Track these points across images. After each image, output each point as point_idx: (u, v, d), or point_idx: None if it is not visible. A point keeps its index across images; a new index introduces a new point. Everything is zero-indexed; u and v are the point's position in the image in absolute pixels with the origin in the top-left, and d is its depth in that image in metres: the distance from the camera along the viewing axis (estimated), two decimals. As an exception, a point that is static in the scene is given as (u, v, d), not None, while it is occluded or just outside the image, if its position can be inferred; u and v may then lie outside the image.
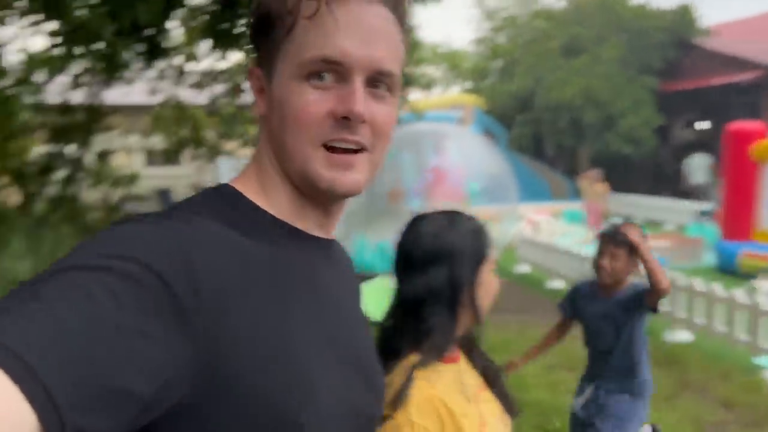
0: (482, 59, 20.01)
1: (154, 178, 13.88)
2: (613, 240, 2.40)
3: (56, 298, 0.45)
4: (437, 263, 1.10)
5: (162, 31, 6.82)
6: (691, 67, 14.49)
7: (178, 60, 9.23)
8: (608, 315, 2.44)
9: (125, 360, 0.46)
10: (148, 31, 5.78)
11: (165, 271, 0.51)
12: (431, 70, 23.85)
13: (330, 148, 0.64)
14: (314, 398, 0.60)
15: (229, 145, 15.06)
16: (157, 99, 12.76)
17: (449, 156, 9.73)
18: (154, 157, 16.73)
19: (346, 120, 0.63)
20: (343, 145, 0.64)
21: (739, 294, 4.71)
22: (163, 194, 14.21)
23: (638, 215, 12.91)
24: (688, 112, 15.79)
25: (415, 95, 18.52)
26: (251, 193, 0.67)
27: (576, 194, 13.14)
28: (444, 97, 20.82)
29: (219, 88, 13.75)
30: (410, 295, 1.10)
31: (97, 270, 0.48)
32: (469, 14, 39.09)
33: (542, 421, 3.37)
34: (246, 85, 13.80)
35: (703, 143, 15.05)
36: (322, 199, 0.68)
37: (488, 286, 1.14)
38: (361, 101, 0.62)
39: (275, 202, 0.68)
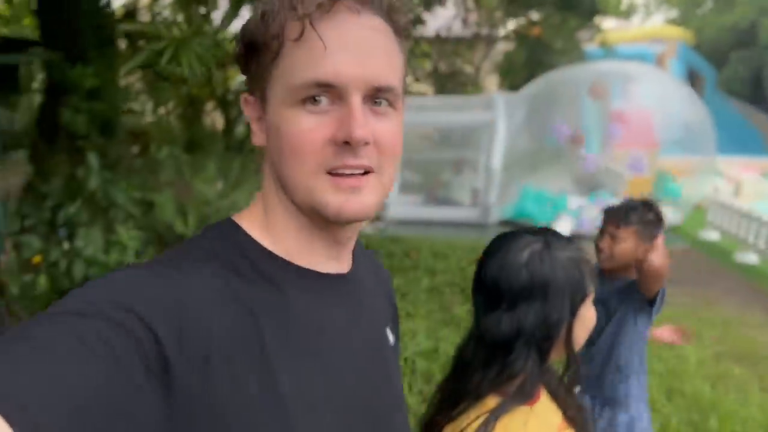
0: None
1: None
2: (616, 219, 1.93)
3: (49, 344, 0.47)
4: (530, 299, 0.95)
5: None
6: None
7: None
8: (603, 300, 1.88)
9: (112, 409, 0.47)
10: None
11: (154, 323, 0.51)
12: (631, -3, 21.23)
13: (334, 174, 0.60)
14: None
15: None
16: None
17: (636, 100, 8.74)
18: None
19: (347, 145, 0.59)
20: (348, 171, 0.60)
21: None
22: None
23: None
24: None
25: (608, 24, 16.71)
26: (256, 229, 0.65)
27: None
28: (643, 29, 18.50)
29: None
30: (494, 332, 0.96)
31: (92, 317, 0.49)
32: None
33: (696, 419, 3.04)
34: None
35: None
36: (331, 228, 0.65)
37: (587, 321, 1.00)
38: (361, 123, 0.58)
39: (281, 238, 0.65)
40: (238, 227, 0.65)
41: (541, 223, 6.90)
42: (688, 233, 7.32)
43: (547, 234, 1.00)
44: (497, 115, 7.30)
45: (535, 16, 12.89)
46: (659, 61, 13.80)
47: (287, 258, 0.65)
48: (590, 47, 13.29)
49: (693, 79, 14.22)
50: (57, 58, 4.25)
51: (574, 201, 7.45)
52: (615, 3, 15.23)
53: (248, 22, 0.62)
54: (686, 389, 3.26)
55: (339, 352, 0.66)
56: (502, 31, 13.87)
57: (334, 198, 0.60)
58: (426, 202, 7.98)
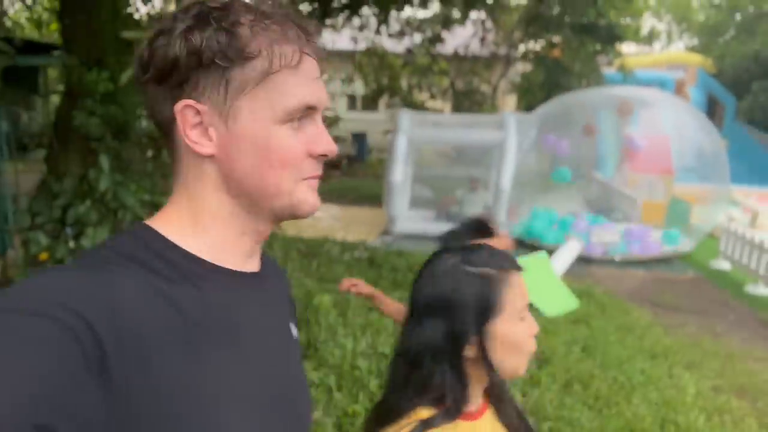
0: (718, 11, 17.10)
1: (353, 121, 14.76)
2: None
3: None
4: (433, 313, 0.96)
5: None
6: None
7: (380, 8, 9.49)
8: None
9: (51, 400, 0.50)
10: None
11: (92, 319, 0.54)
12: (652, 22, 21.21)
13: (307, 179, 0.70)
14: None
15: (421, 95, 15.35)
16: (359, 46, 13.42)
17: (652, 126, 8.70)
18: (354, 102, 17.77)
19: (322, 157, 0.71)
20: (315, 176, 0.71)
21: None
22: (359, 138, 15.09)
23: None
24: None
25: (628, 49, 16.68)
26: (175, 233, 0.67)
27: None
28: (663, 55, 18.43)
29: (416, 38, 13.98)
30: (409, 345, 0.98)
31: (29, 314, 0.52)
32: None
33: (689, 450, 2.99)
34: (444, 34, 13.66)
35: None
36: (267, 229, 0.73)
37: (508, 338, 0.96)
38: (331, 140, 0.71)
39: (207, 239, 0.68)
40: (153, 230, 0.67)
41: (547, 244, 6.87)
42: (699, 262, 7.23)
43: (470, 250, 0.99)
44: (508, 135, 7.31)
45: (553, 38, 12.92)
46: (679, 88, 13.72)
47: (206, 258, 0.68)
48: (610, 71, 13.25)
49: (712, 106, 14.09)
50: (75, 61, 4.36)
51: (581, 223, 7.40)
52: (635, 29, 15.20)
53: (213, 38, 0.63)
54: (680, 420, 3.20)
55: (255, 345, 0.70)
56: (520, 51, 13.91)
57: (312, 199, 0.71)
58: (437, 218, 7.98)
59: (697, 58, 15.91)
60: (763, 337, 4.92)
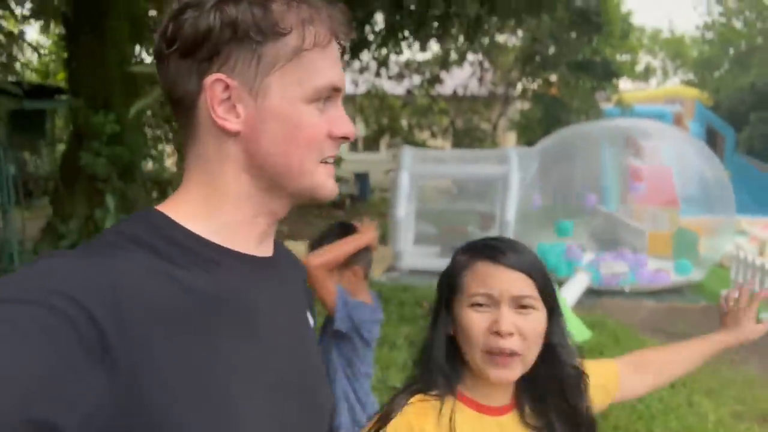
0: (711, 47, 17.48)
1: (355, 162, 14.92)
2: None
3: None
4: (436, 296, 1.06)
5: (367, 22, 7.20)
6: None
7: (380, 52, 9.72)
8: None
9: (49, 392, 0.48)
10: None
11: (92, 307, 0.52)
12: (648, 59, 21.64)
13: (324, 162, 0.70)
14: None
15: (422, 134, 15.56)
16: (359, 89, 13.70)
17: (654, 157, 8.74)
18: (355, 144, 18.01)
19: (342, 139, 0.70)
20: (330, 160, 0.71)
21: None
22: (361, 178, 15.23)
23: None
24: None
25: (625, 85, 17.00)
26: (185, 216, 0.65)
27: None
28: (660, 89, 18.72)
29: (416, 80, 14.27)
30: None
31: (25, 303, 0.50)
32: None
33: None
34: (443, 75, 13.91)
35: None
36: (283, 211, 0.72)
37: (462, 324, 0.97)
38: (351, 122, 0.72)
39: (219, 221, 0.66)
40: (161, 214, 0.65)
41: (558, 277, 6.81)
42: (711, 291, 7.13)
43: (473, 242, 1.06)
44: (511, 168, 7.35)
45: (550, 76, 13.19)
46: (677, 121, 13.86)
47: (217, 241, 0.66)
48: (608, 106, 13.45)
49: (712, 138, 14.21)
50: (82, 104, 4.44)
51: (587, 255, 7.35)
52: (631, 66, 15.53)
53: (247, 11, 0.62)
54: (705, 449, 3.08)
55: (270, 331, 0.68)
56: (518, 90, 14.17)
57: (330, 183, 0.71)
58: (442, 253, 7.94)
59: (693, 92, 16.16)
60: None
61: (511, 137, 15.67)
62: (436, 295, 1.05)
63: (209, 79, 0.62)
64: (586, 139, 8.44)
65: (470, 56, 13.48)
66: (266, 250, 0.72)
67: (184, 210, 0.66)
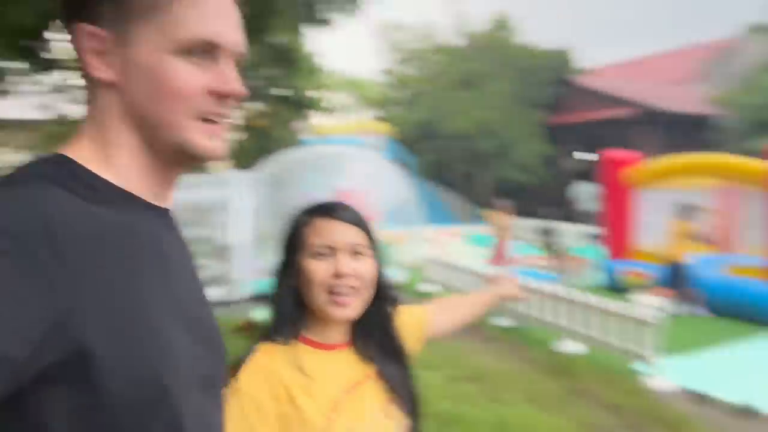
0: (389, 88, 20.62)
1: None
2: None
3: None
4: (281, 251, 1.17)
5: (44, 40, 6.38)
6: (573, 103, 15.80)
7: (64, 74, 8.67)
8: None
9: (1, 326, 0.49)
10: (27, 41, 5.35)
11: (29, 239, 0.53)
12: (336, 97, 24.25)
13: (206, 120, 0.67)
14: (174, 362, 0.62)
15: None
16: (46, 114, 11.93)
17: (356, 178, 9.91)
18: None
19: (224, 98, 0.68)
20: (217, 119, 0.69)
21: (614, 305, 5.16)
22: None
23: (533, 238, 13.79)
24: (571, 144, 17.14)
25: (319, 119, 18.74)
26: (89, 161, 0.65)
27: (478, 218, 13.77)
28: (353, 123, 21.16)
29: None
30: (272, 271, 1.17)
31: None
32: (375, 45, 40.25)
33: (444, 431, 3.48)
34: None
35: (586, 172, 16.41)
36: (184, 168, 0.71)
37: (307, 273, 1.11)
38: (239, 79, 0.69)
39: (119, 171, 0.66)
40: (67, 156, 0.64)
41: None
42: (410, 287, 8.39)
43: (316, 203, 1.18)
44: (232, 193, 7.46)
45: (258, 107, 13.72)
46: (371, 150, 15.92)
47: (126, 189, 0.67)
48: (308, 137, 14.61)
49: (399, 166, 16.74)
50: None
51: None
52: (319, 101, 17.21)
53: None
54: (432, 410, 3.71)
55: (179, 276, 0.71)
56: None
57: (208, 142, 0.68)
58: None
59: (383, 126, 18.75)
60: (474, 335, 5.99)
61: (223, 163, 15.67)
62: (280, 254, 1.16)
63: (77, 29, 0.64)
64: (301, 163, 9.11)
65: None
66: (167, 203, 0.73)
67: (86, 155, 0.65)
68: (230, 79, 0.67)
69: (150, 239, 0.66)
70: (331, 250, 1.11)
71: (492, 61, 16.76)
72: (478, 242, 11.80)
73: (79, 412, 0.56)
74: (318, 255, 1.10)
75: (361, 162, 9.85)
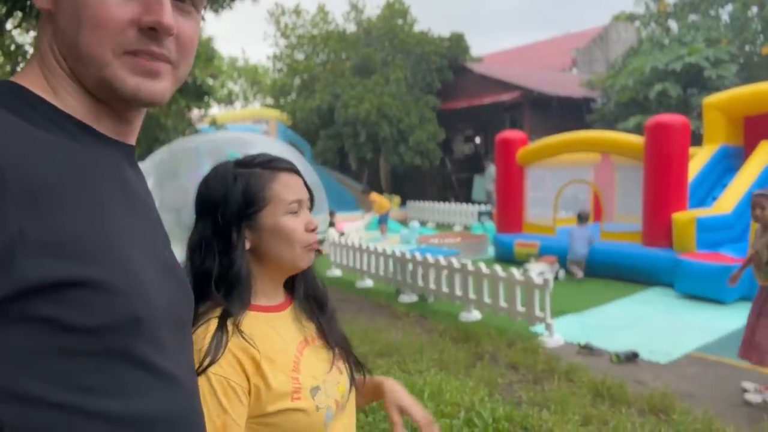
0: (282, 75, 20.21)
1: None
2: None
3: None
4: (206, 211, 1.07)
5: None
6: (465, 89, 16.43)
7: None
8: None
9: None
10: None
11: None
12: (231, 85, 23.42)
13: (133, 54, 0.62)
14: (146, 294, 0.60)
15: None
16: None
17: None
18: None
19: (152, 31, 0.61)
20: (148, 57, 0.63)
21: (515, 274, 5.51)
22: None
23: (431, 219, 14.28)
24: (464, 128, 17.85)
25: (214, 109, 18.06)
26: (39, 90, 0.62)
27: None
28: (247, 111, 20.56)
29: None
30: (191, 243, 1.07)
31: None
32: (265, 30, 39.23)
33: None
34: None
35: (478, 155, 17.20)
36: (120, 106, 0.66)
37: (279, 229, 1.07)
38: (170, 13, 0.62)
39: (66, 101, 0.63)
40: (18, 84, 0.62)
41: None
42: (319, 273, 8.38)
43: (240, 160, 1.13)
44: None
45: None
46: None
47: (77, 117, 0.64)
48: (203, 125, 14.04)
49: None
50: None
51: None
52: (217, 90, 16.57)
53: None
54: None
55: (142, 210, 0.69)
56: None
57: (132, 79, 0.62)
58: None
59: (275, 113, 18.35)
60: (379, 315, 6.13)
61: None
62: (215, 221, 1.06)
63: None
64: (194, 152, 8.72)
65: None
66: (126, 139, 0.70)
67: (36, 84, 0.63)
68: (157, 11, 0.61)
69: (110, 170, 0.64)
70: (300, 205, 1.12)
71: (387, 48, 16.97)
72: (375, 227, 12.02)
73: (46, 348, 0.54)
74: (292, 212, 1.09)
75: (263, 147, 9.63)
